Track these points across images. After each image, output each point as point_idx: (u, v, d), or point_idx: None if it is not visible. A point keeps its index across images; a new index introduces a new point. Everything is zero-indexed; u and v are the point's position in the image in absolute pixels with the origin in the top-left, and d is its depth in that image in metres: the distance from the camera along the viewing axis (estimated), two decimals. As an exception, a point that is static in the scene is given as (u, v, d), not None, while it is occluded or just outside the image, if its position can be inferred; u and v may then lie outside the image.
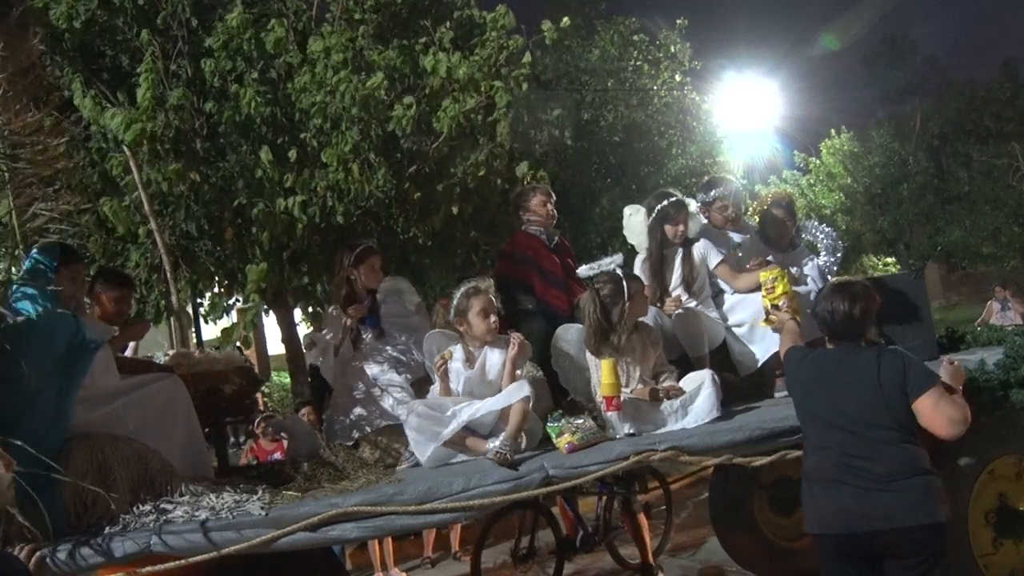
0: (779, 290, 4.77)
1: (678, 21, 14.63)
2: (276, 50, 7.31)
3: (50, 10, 7.28)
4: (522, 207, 5.68)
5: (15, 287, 4.10)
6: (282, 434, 7.53)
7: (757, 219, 5.98)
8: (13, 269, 4.52)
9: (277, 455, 8.07)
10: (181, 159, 6.89)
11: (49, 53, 7.08)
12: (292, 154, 7.14)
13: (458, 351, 4.60)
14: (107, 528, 3.65)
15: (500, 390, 4.49)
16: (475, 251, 8.49)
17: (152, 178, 6.80)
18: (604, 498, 6.18)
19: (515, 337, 4.55)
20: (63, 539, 3.53)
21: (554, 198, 5.75)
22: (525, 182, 7.33)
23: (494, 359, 4.61)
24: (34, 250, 4.22)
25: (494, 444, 4.15)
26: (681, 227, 5.40)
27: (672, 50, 14.51)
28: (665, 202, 5.44)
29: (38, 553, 3.11)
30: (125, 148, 6.40)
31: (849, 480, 3.53)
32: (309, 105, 7.04)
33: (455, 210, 7.39)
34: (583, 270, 5.04)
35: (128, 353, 5.06)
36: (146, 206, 6.05)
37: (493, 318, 4.62)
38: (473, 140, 7.26)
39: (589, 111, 12.95)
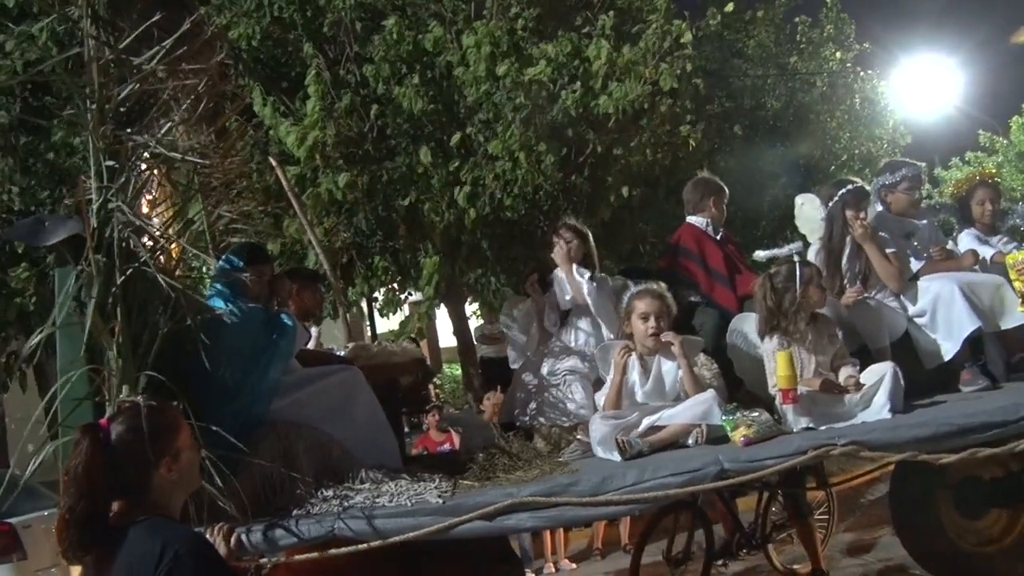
0: None
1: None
2: (435, 49, 7.48)
3: (231, 30, 7.74)
4: (699, 204, 5.54)
5: (210, 285, 4.39)
6: (457, 427, 7.69)
7: (955, 202, 5.64)
8: (205, 268, 4.81)
9: (446, 447, 8.25)
10: (351, 166, 7.16)
11: (232, 64, 7.51)
12: (456, 138, 7.28)
13: (634, 364, 4.52)
14: (294, 512, 3.81)
15: (678, 397, 4.46)
16: (643, 242, 8.42)
17: (326, 187, 7.12)
18: (763, 497, 5.92)
19: (672, 339, 4.44)
20: (257, 520, 3.71)
21: (727, 193, 5.65)
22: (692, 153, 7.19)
23: (667, 367, 4.54)
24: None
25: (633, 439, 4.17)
26: (863, 215, 5.13)
27: (834, 31, 13.93)
28: (847, 188, 5.20)
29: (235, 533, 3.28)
30: (275, 164, 6.69)
31: None
32: (476, 97, 7.16)
33: (624, 192, 7.34)
34: (760, 254, 4.92)
35: (311, 346, 5.31)
36: (301, 218, 6.30)
37: (652, 322, 4.50)
38: (637, 126, 7.21)
39: (751, 99, 12.60)
